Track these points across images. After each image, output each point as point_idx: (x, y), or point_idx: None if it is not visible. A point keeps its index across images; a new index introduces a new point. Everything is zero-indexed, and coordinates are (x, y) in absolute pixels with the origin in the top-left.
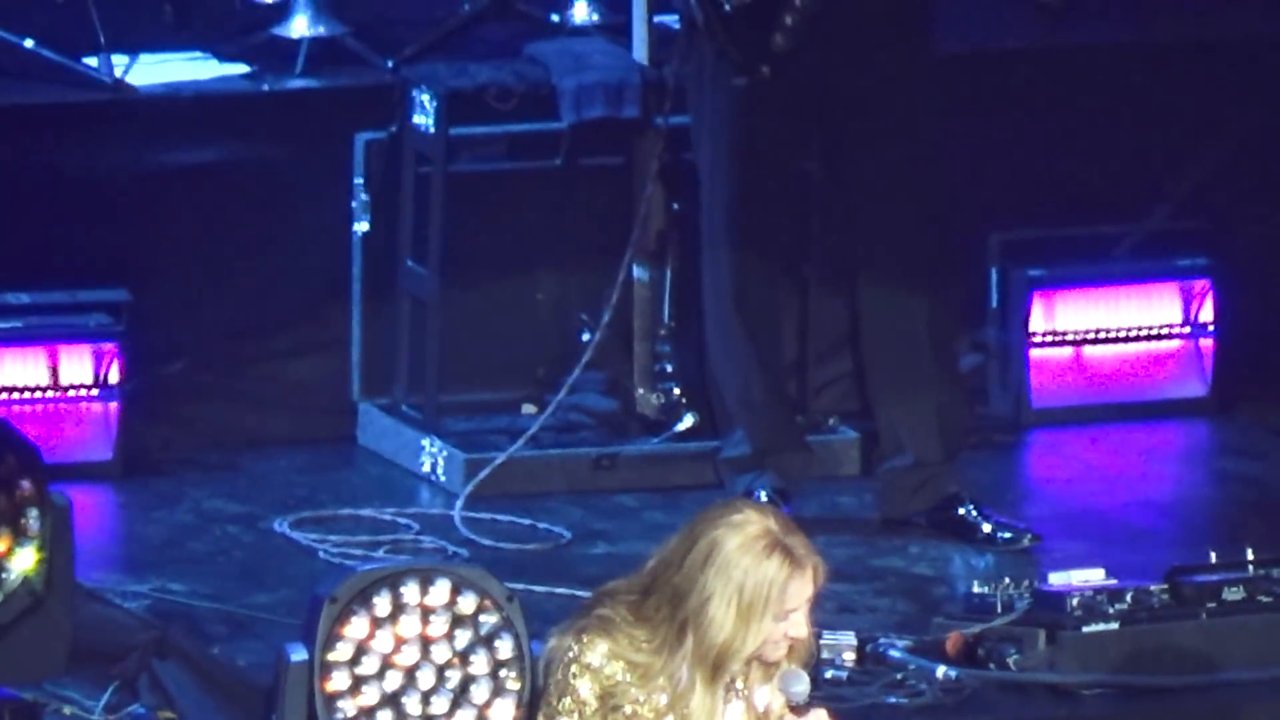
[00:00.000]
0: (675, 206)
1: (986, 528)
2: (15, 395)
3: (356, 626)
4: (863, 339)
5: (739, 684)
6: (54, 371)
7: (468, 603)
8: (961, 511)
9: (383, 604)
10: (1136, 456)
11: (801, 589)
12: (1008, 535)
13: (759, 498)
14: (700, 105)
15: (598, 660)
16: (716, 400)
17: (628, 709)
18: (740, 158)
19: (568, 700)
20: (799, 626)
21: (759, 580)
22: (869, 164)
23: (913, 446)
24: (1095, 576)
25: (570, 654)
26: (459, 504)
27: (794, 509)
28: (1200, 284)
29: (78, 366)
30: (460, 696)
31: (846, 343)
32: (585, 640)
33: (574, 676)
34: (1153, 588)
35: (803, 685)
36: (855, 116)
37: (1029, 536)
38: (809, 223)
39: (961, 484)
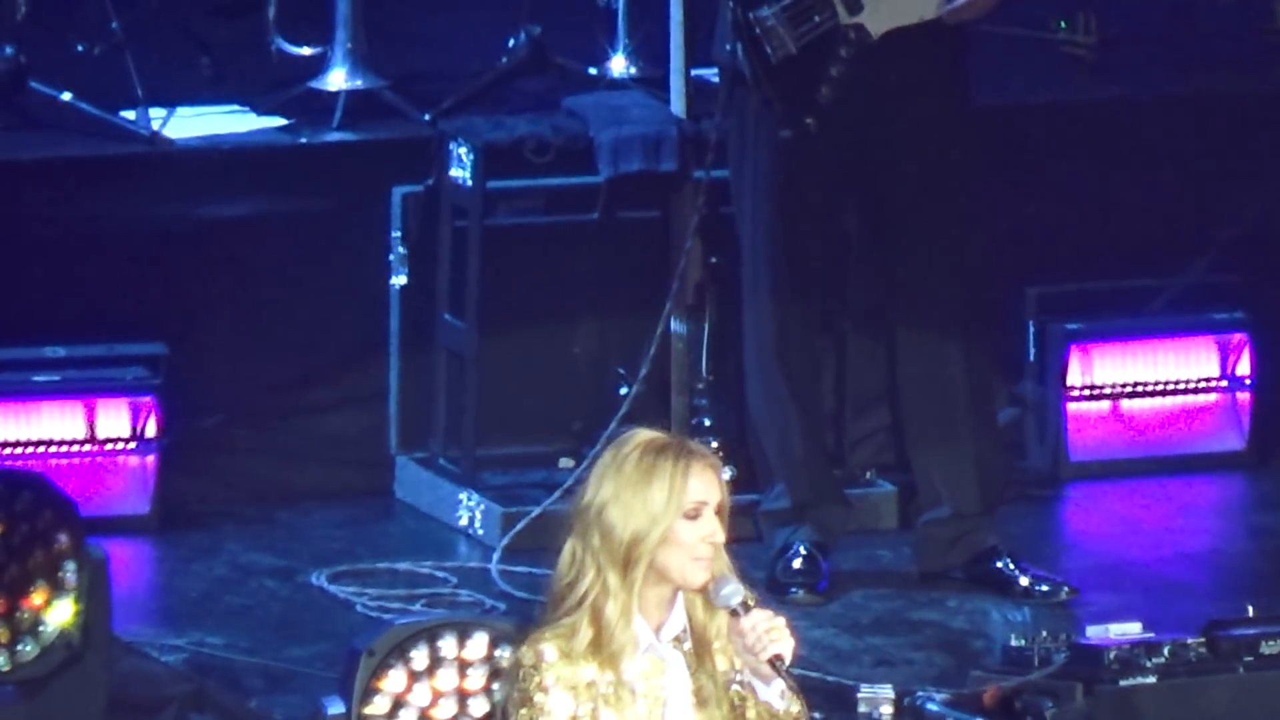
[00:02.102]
0: (713, 260)
1: (1024, 581)
2: (53, 449)
3: (394, 680)
4: (900, 392)
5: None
6: (91, 425)
7: (506, 656)
8: (999, 565)
9: (420, 657)
10: (1174, 510)
11: (704, 481)
12: (1045, 588)
13: (797, 551)
14: (742, 158)
15: (547, 657)
16: (756, 453)
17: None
18: (782, 211)
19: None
20: (713, 529)
21: (651, 466)
22: (905, 216)
23: (950, 499)
24: (1132, 630)
25: (520, 679)
26: (496, 557)
27: (832, 563)
28: (1237, 338)
29: (115, 420)
30: None
31: (883, 396)
32: (526, 654)
33: (536, 690)
34: (1190, 641)
35: (731, 586)
36: (892, 169)
37: (1066, 590)
38: (846, 275)
39: (999, 537)
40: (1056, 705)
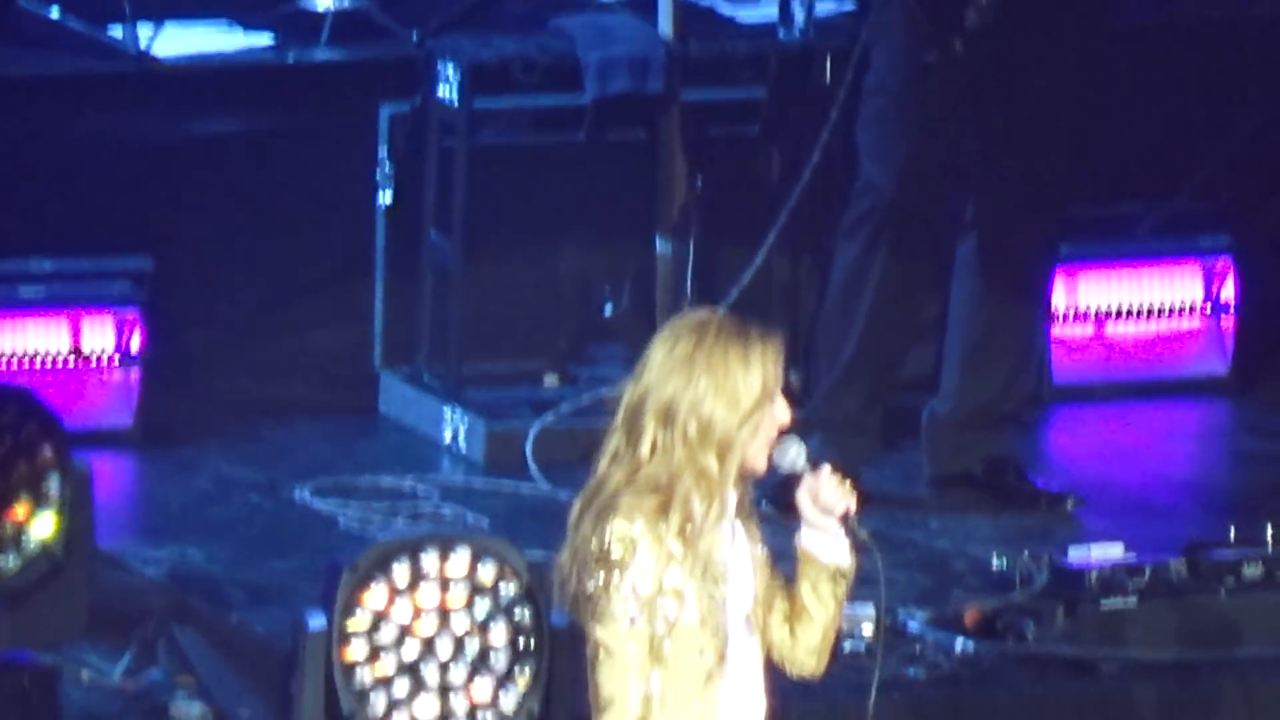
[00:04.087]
0: (698, 182)
1: (1031, 489)
2: (37, 362)
3: (375, 595)
4: (969, 293)
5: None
6: (76, 339)
7: (487, 572)
8: (1009, 473)
9: (402, 573)
10: (1156, 434)
11: (781, 363)
12: (1052, 497)
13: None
14: (883, 73)
15: (638, 531)
16: (813, 359)
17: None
18: (917, 130)
19: (639, 584)
20: (785, 411)
21: (744, 354)
22: (1017, 127)
23: (975, 403)
24: (1114, 552)
25: (610, 541)
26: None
27: None
28: (1222, 262)
29: (100, 334)
30: (479, 666)
31: None
32: (620, 527)
33: (628, 559)
34: (1171, 563)
35: (796, 448)
36: (1013, 100)
37: (1072, 499)
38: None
39: (1008, 447)
40: (1037, 625)
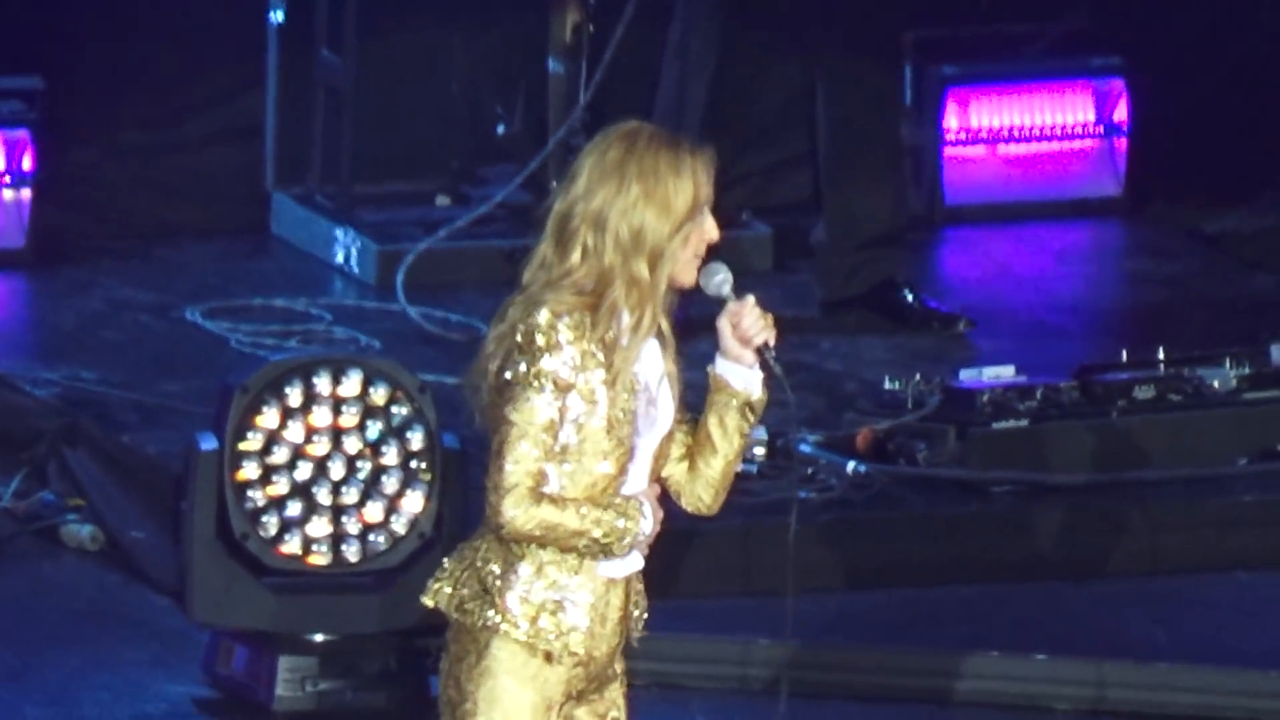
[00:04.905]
0: (591, 0)
1: (923, 310)
2: None
3: (268, 416)
4: (826, 118)
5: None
6: None
7: (380, 394)
8: (900, 294)
9: (294, 394)
10: (1049, 255)
11: (711, 176)
12: (944, 318)
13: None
14: None
15: (564, 324)
16: None
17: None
18: None
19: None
20: (713, 226)
21: (675, 162)
22: None
23: (862, 227)
24: (1006, 373)
25: (533, 326)
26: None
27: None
28: (1115, 84)
29: None
30: (371, 487)
31: (768, 131)
32: (544, 318)
33: (551, 348)
34: (1063, 385)
35: (723, 274)
36: None
37: (964, 321)
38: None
39: (900, 269)
40: (929, 447)
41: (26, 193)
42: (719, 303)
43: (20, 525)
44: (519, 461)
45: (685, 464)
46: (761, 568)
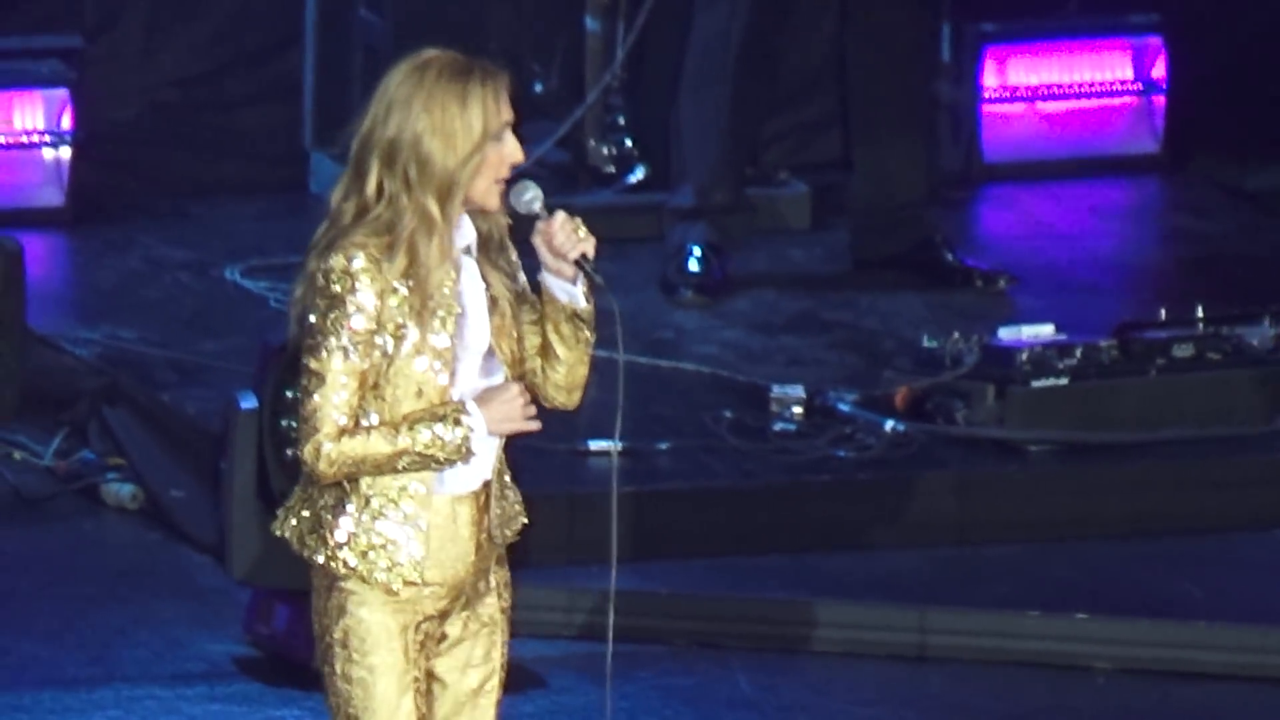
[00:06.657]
0: None
1: (963, 268)
2: None
3: None
4: (853, 77)
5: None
6: (6, 118)
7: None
8: (938, 253)
9: None
10: (1087, 212)
11: (505, 100)
12: (985, 275)
13: (690, 251)
14: None
15: (358, 266)
16: (674, 151)
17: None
18: None
19: (347, 309)
20: (515, 148)
21: (463, 91)
22: None
23: (898, 186)
24: (1045, 332)
25: (328, 271)
26: None
27: (731, 266)
28: (1153, 41)
29: (30, 112)
30: None
31: (805, 89)
32: (337, 260)
33: (346, 293)
34: (1102, 344)
35: (532, 192)
36: None
37: (1005, 278)
38: None
39: (937, 227)
40: (967, 406)
41: (66, 152)
42: (530, 220)
43: (61, 484)
44: (318, 409)
45: (539, 362)
46: (801, 526)
